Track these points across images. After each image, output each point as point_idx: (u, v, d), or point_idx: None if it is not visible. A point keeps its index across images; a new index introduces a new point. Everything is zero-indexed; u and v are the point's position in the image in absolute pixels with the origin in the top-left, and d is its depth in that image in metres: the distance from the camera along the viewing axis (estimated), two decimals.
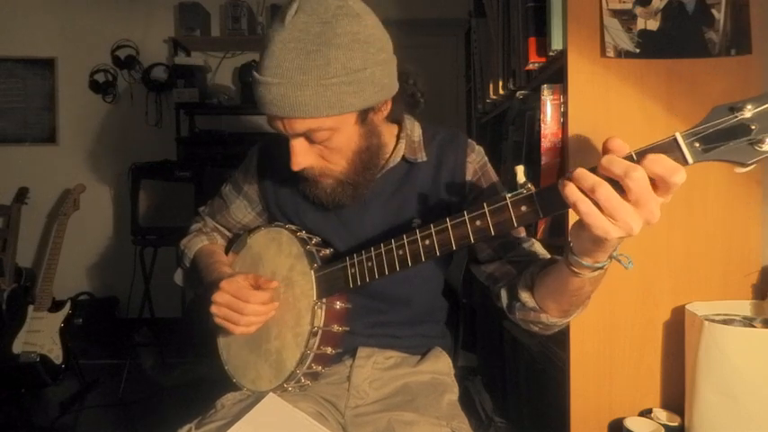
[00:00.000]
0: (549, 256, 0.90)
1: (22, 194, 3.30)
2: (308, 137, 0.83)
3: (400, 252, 0.79)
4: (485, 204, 0.71)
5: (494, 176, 0.99)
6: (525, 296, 0.83)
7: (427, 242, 0.76)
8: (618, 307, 1.24)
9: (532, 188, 0.68)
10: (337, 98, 0.78)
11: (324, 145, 0.84)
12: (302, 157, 0.85)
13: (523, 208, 0.68)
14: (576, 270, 0.69)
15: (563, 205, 0.62)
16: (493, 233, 0.71)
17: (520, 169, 0.69)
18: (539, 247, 0.92)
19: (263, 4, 3.51)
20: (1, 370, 2.46)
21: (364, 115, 0.84)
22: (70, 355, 2.53)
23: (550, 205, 0.65)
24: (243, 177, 1.09)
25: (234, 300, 0.87)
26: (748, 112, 0.55)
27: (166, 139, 3.45)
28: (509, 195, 0.69)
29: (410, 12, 3.46)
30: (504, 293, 0.88)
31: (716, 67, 1.21)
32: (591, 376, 1.25)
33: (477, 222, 0.72)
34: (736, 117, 0.56)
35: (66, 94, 3.53)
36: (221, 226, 1.16)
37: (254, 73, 0.80)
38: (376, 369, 0.99)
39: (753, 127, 0.55)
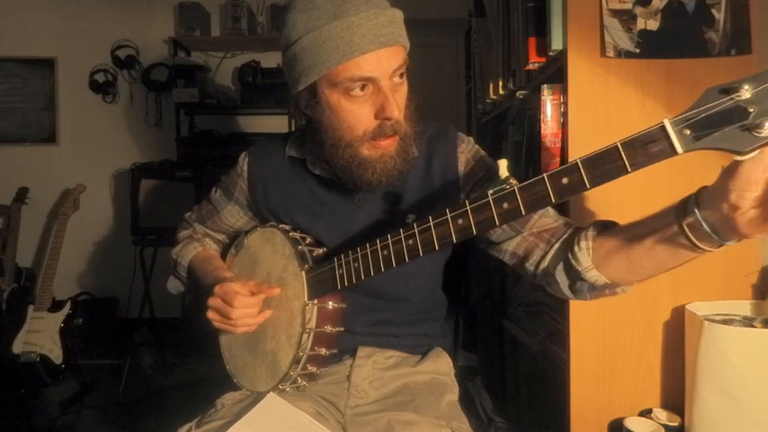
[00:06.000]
0: (578, 224, 0.83)
1: (22, 194, 3.30)
2: (394, 77, 0.82)
3: (385, 252, 0.79)
4: (467, 202, 0.69)
5: (489, 161, 0.96)
6: (593, 275, 0.76)
7: (410, 242, 0.76)
8: (618, 307, 1.24)
9: (515, 183, 0.64)
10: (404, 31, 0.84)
11: (397, 90, 0.84)
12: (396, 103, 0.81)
13: (505, 205, 0.65)
14: (706, 249, 0.66)
15: (547, 201, 0.60)
16: (475, 232, 0.69)
17: (503, 163, 0.66)
18: (553, 212, 0.87)
19: (263, 4, 3.51)
20: (1, 370, 2.46)
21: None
22: (70, 355, 2.53)
23: (534, 201, 0.62)
24: (232, 182, 1.08)
25: (223, 304, 0.89)
26: (746, 92, 0.50)
27: (166, 139, 3.45)
28: (491, 192, 0.66)
29: (410, 12, 3.39)
30: (561, 275, 0.81)
31: (716, 67, 1.21)
32: (591, 376, 1.25)
33: (460, 221, 0.70)
34: (732, 99, 0.51)
35: (67, 94, 3.54)
36: (212, 231, 1.15)
37: (335, 21, 0.78)
38: (376, 369, 0.99)
39: (750, 110, 0.50)
